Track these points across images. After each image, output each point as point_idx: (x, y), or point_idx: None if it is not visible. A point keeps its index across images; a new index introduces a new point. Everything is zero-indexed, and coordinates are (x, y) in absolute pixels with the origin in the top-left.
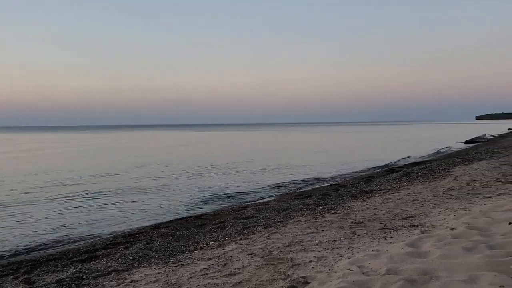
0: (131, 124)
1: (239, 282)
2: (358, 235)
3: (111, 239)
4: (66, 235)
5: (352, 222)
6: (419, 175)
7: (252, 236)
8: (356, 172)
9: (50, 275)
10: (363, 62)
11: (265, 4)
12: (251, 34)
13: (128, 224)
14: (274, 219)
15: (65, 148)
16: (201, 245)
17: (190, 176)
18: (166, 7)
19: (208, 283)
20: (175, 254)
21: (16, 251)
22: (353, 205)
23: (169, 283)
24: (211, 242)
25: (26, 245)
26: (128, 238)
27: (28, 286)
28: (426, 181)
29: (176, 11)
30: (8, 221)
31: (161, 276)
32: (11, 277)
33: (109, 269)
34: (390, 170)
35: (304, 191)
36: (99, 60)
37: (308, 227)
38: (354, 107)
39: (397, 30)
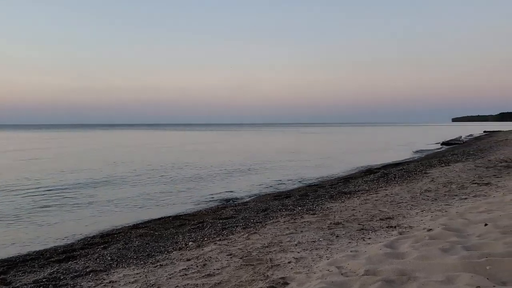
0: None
1: (218, 283)
2: (337, 236)
3: (89, 239)
4: (40, 235)
5: (331, 223)
6: (397, 176)
7: (231, 236)
8: (334, 173)
9: (27, 276)
10: (330, 64)
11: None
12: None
13: (105, 223)
14: (253, 219)
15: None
16: (180, 246)
17: (167, 176)
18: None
19: (187, 283)
20: (153, 255)
21: None
22: (332, 206)
23: (148, 284)
24: (190, 243)
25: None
26: (106, 238)
27: (4, 286)
28: (404, 182)
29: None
30: None
31: (140, 276)
32: None
33: (87, 270)
34: (368, 171)
35: (282, 191)
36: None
37: (287, 228)
38: (327, 109)
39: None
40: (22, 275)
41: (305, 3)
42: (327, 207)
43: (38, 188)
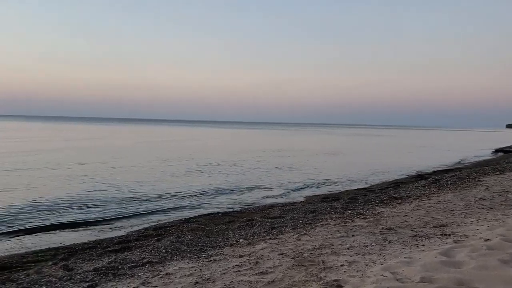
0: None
1: (271, 281)
2: (389, 242)
3: (142, 231)
4: (97, 225)
5: (382, 228)
6: (449, 183)
7: (281, 236)
8: (383, 177)
9: (87, 263)
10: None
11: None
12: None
13: (157, 216)
14: (302, 220)
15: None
16: (231, 242)
17: (213, 171)
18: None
19: (241, 280)
20: (206, 249)
21: (51, 236)
22: (383, 211)
23: (203, 278)
24: (241, 240)
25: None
26: (159, 230)
27: (67, 272)
28: (456, 190)
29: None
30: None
31: (195, 270)
32: (50, 262)
33: (143, 261)
34: (418, 176)
35: (330, 193)
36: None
37: (338, 231)
38: (372, 110)
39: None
40: (82, 263)
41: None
42: (378, 212)
43: (96, 178)
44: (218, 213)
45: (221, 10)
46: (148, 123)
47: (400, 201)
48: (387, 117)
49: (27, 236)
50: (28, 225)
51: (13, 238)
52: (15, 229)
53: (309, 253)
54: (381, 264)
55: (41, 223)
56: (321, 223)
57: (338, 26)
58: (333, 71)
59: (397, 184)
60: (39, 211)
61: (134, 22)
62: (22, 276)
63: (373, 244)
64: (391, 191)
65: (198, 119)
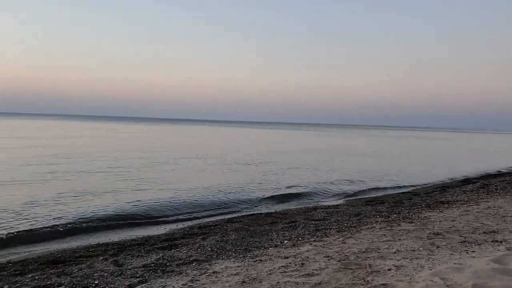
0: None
1: (318, 283)
2: (438, 247)
3: (187, 229)
4: (144, 222)
5: (430, 233)
6: (499, 188)
7: (326, 238)
8: (428, 180)
9: (136, 259)
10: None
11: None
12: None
13: (200, 215)
14: (346, 223)
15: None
16: (275, 243)
17: (254, 171)
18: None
19: (288, 281)
20: (251, 249)
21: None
22: (430, 215)
23: (249, 277)
24: (285, 241)
25: (110, 226)
26: (204, 229)
27: (117, 267)
28: (507, 195)
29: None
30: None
31: (241, 269)
32: (101, 258)
33: (190, 259)
34: (465, 180)
35: (374, 197)
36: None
37: (384, 235)
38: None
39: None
40: (131, 259)
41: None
42: (425, 216)
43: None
44: (261, 213)
45: (258, 10)
46: (193, 123)
47: (447, 205)
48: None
49: (78, 232)
50: (78, 221)
51: (65, 233)
52: (67, 224)
53: (355, 256)
54: (430, 270)
55: (91, 219)
56: (367, 227)
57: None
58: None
59: (443, 188)
60: (90, 207)
61: (176, 24)
62: (75, 270)
63: (420, 248)
64: (437, 195)
65: (239, 120)
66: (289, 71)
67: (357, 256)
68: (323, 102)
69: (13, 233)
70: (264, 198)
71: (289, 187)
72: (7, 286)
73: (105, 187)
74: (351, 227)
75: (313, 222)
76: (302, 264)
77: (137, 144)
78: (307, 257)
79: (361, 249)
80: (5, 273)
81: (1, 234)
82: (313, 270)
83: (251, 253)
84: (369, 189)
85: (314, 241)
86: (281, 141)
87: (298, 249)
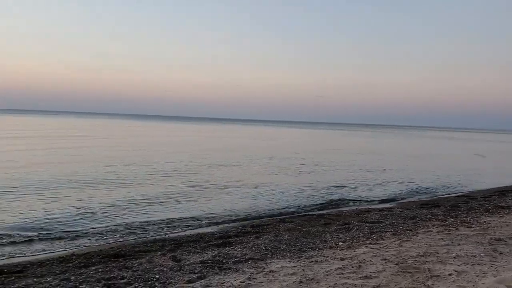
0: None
1: (377, 286)
2: (500, 253)
3: (240, 227)
4: (199, 219)
5: (491, 239)
6: None
7: (381, 241)
8: (485, 184)
9: (193, 255)
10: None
11: None
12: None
13: (253, 214)
14: (402, 226)
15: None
16: (330, 244)
17: (304, 171)
18: None
19: (345, 282)
20: (305, 250)
21: (160, 228)
22: (489, 220)
23: (306, 278)
24: (340, 243)
25: (169, 223)
26: (257, 228)
27: (175, 263)
28: None
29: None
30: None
31: (297, 269)
32: (159, 253)
33: (246, 257)
34: None
35: (429, 200)
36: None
37: (442, 239)
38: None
39: None
40: (188, 255)
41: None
42: (484, 221)
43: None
44: (313, 214)
45: (302, 10)
46: (235, 123)
47: (507, 210)
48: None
49: (136, 227)
50: (137, 217)
51: (123, 228)
52: (126, 220)
53: (413, 260)
54: (494, 276)
55: (147, 215)
56: (423, 230)
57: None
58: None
59: (502, 192)
60: (148, 203)
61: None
62: (136, 264)
63: (482, 254)
64: (496, 200)
65: (281, 119)
66: (327, 71)
67: (415, 260)
68: (361, 102)
69: (76, 230)
70: (315, 199)
71: (340, 187)
72: (73, 277)
73: (173, 190)
74: (407, 230)
75: (367, 225)
76: (359, 266)
77: (214, 143)
78: (364, 259)
79: (419, 252)
80: (71, 265)
81: (68, 230)
82: (370, 272)
83: (306, 253)
84: (422, 191)
85: (370, 243)
86: (326, 141)
87: (354, 251)
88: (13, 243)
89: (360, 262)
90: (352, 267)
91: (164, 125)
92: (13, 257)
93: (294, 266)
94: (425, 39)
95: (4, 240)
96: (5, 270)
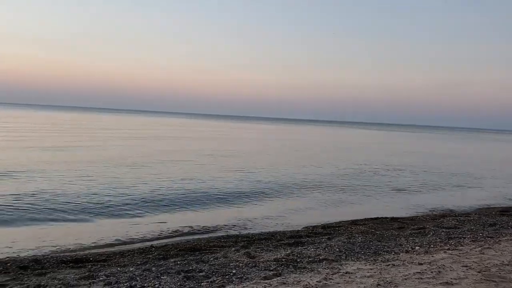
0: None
1: None
2: None
3: (311, 228)
4: (270, 218)
5: None
6: None
7: (460, 247)
8: None
9: (266, 253)
10: None
11: None
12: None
13: (322, 214)
14: (481, 233)
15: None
16: (406, 249)
17: (377, 174)
18: None
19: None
20: (380, 253)
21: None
22: None
23: (384, 281)
24: (417, 247)
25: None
26: (328, 229)
27: (250, 259)
28: None
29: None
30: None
31: (374, 272)
32: (233, 249)
33: (320, 257)
34: None
35: (509, 207)
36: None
37: None
38: None
39: None
40: (261, 252)
41: None
42: None
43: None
44: (385, 218)
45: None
46: (299, 123)
47: None
48: None
49: (209, 223)
50: (209, 212)
51: (198, 225)
52: (200, 214)
53: (497, 268)
54: None
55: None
56: (506, 238)
57: None
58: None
59: None
60: (221, 198)
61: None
62: (212, 259)
63: None
64: None
65: (355, 120)
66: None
67: (500, 269)
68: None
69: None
70: (386, 202)
71: (412, 190)
72: (154, 268)
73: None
74: (488, 237)
75: (444, 230)
76: (439, 272)
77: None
78: (443, 265)
79: (503, 261)
80: (150, 256)
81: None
82: (451, 279)
83: (381, 257)
84: (501, 198)
85: (448, 249)
86: (398, 142)
87: (432, 256)
88: (99, 232)
89: (439, 267)
90: (432, 272)
91: (239, 125)
92: (96, 247)
93: (371, 269)
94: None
95: (89, 230)
96: (91, 259)
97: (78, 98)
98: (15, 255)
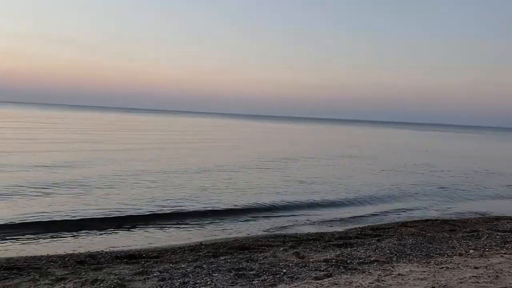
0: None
1: None
2: None
3: (359, 229)
4: (320, 218)
5: None
6: None
7: None
8: None
9: (314, 253)
10: None
11: None
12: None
13: (369, 215)
14: None
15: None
16: (459, 251)
17: (426, 175)
18: None
19: None
20: (432, 256)
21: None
22: None
23: (439, 284)
24: (471, 251)
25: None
26: (377, 231)
27: (300, 259)
28: None
29: None
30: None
31: (427, 275)
32: (281, 248)
33: (370, 259)
34: None
35: None
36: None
37: None
38: None
39: None
40: (310, 252)
41: None
42: None
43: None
44: (436, 220)
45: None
46: (354, 124)
47: None
48: None
49: (260, 221)
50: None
51: (249, 222)
52: (254, 215)
53: None
54: None
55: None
56: None
57: None
58: None
59: None
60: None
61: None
62: (261, 258)
63: None
64: None
65: (391, 120)
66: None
67: None
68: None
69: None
70: (436, 204)
71: (463, 193)
72: (205, 266)
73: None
74: None
75: (499, 233)
76: (496, 276)
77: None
78: (501, 269)
79: None
80: (201, 253)
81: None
82: (510, 284)
83: (434, 259)
84: None
85: (505, 253)
86: (450, 144)
87: (488, 260)
88: (147, 230)
89: (496, 272)
90: (489, 276)
91: (285, 125)
92: (149, 243)
93: (424, 271)
94: None
95: (140, 227)
96: (144, 255)
97: (104, 98)
98: (71, 251)
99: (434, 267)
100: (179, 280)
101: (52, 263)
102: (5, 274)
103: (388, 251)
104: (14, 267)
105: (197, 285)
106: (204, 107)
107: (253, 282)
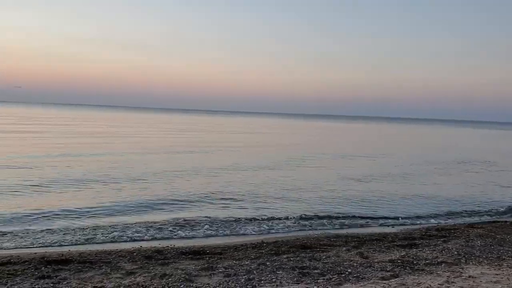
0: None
1: None
2: None
3: (424, 230)
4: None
5: None
6: None
7: None
8: None
9: (379, 254)
10: None
11: None
12: None
13: (426, 216)
14: None
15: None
16: None
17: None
18: None
19: None
20: (505, 258)
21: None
22: None
23: None
24: None
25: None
26: (442, 232)
27: (364, 259)
28: None
29: None
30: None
31: (501, 278)
32: (344, 248)
33: (438, 260)
34: None
35: None
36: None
37: None
38: None
39: None
40: (374, 252)
41: None
42: None
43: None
44: (505, 221)
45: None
46: (371, 121)
47: None
48: None
49: (314, 221)
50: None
51: (303, 221)
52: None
53: None
54: None
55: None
56: None
57: None
58: None
59: None
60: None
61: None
62: (324, 257)
63: None
64: None
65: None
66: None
67: None
68: None
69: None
70: (506, 205)
71: None
72: (269, 263)
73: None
74: None
75: None
76: None
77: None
78: None
79: None
80: (263, 251)
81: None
82: None
83: (506, 262)
84: None
85: None
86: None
87: None
88: (211, 225)
89: None
90: None
91: (312, 123)
92: (210, 237)
93: (497, 274)
94: None
95: (202, 224)
96: (207, 251)
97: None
98: (138, 246)
99: (507, 270)
100: (244, 277)
101: (121, 258)
102: (79, 267)
103: (455, 253)
104: (86, 261)
105: (262, 282)
106: (244, 106)
107: (318, 280)
